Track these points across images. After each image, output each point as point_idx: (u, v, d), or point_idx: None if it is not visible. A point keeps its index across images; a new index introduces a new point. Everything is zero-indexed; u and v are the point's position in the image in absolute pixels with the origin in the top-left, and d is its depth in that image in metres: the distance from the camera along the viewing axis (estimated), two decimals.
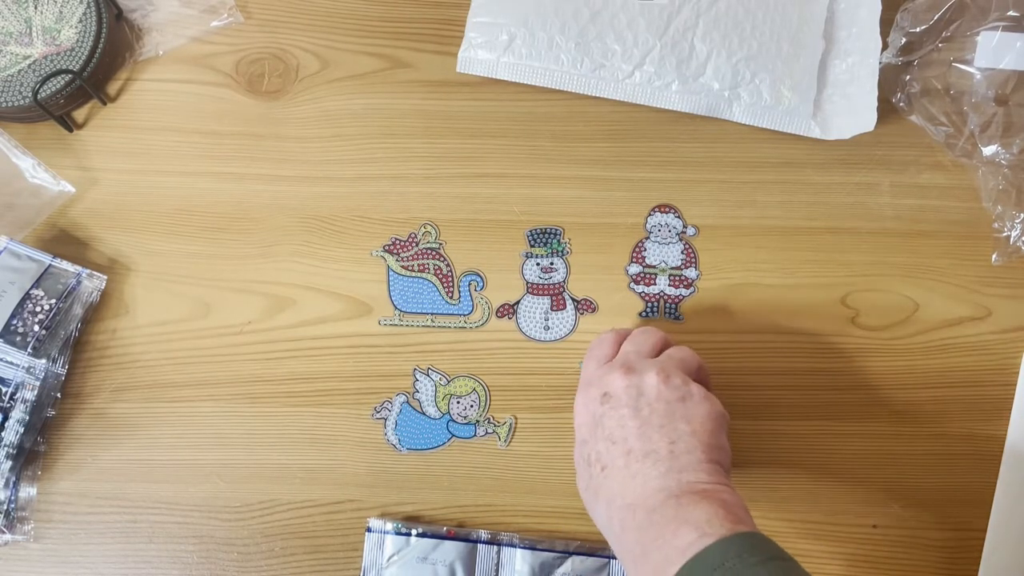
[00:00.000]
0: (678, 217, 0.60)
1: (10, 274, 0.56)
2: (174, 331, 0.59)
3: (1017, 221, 0.58)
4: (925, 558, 0.56)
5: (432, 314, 0.59)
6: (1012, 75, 0.59)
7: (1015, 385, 0.57)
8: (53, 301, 0.56)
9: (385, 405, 0.58)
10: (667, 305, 0.59)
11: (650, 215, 0.60)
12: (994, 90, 0.59)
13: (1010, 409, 0.57)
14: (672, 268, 0.59)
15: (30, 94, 0.58)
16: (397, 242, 0.60)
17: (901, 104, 0.61)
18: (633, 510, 0.43)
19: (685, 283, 0.59)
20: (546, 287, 0.59)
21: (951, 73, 0.60)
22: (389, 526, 0.56)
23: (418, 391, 0.58)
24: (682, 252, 0.59)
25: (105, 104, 0.62)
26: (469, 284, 0.59)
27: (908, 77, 0.60)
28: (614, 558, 0.55)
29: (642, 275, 0.59)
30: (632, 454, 0.45)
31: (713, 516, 0.41)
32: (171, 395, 0.58)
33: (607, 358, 0.50)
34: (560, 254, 0.60)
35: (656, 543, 0.41)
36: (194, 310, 0.59)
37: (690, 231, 0.60)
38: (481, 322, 0.59)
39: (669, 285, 0.59)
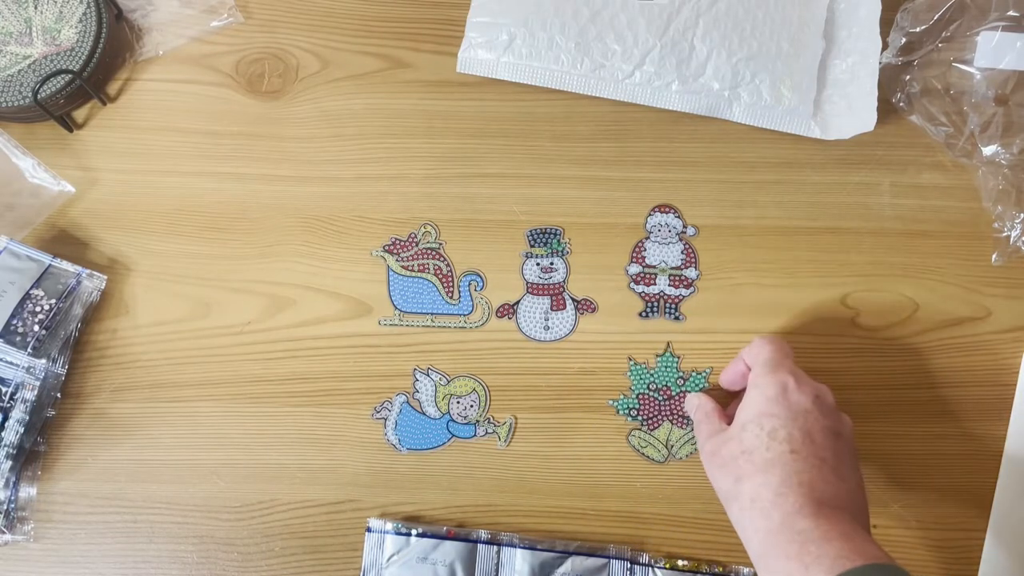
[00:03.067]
0: (678, 217, 0.60)
1: (10, 274, 0.56)
2: (174, 331, 0.59)
3: (1017, 221, 0.58)
4: (925, 558, 0.56)
5: (432, 314, 0.59)
6: (1012, 75, 0.59)
7: (1015, 385, 0.57)
8: (53, 301, 0.56)
9: (385, 405, 0.58)
10: (667, 305, 0.59)
11: (650, 215, 0.60)
12: (994, 90, 0.59)
13: (1010, 409, 0.57)
14: (672, 268, 0.59)
15: (30, 94, 0.58)
16: (397, 242, 0.60)
17: (901, 104, 0.61)
18: (819, 504, 0.44)
19: (685, 283, 0.59)
20: (546, 287, 0.59)
21: (951, 73, 0.60)
22: (389, 526, 0.56)
23: (418, 391, 0.58)
24: (682, 252, 0.59)
25: (105, 104, 0.62)
26: (469, 284, 0.59)
27: (908, 77, 0.60)
28: (614, 558, 0.55)
29: (642, 275, 0.59)
30: (827, 464, 0.46)
31: (888, 556, 0.43)
32: (171, 395, 0.58)
33: (791, 358, 0.51)
34: (560, 254, 0.60)
35: (843, 540, 0.42)
36: (194, 310, 0.59)
37: (690, 231, 0.60)
38: (481, 322, 0.59)
39: (669, 285, 0.59)
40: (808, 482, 0.45)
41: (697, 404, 0.54)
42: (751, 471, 0.47)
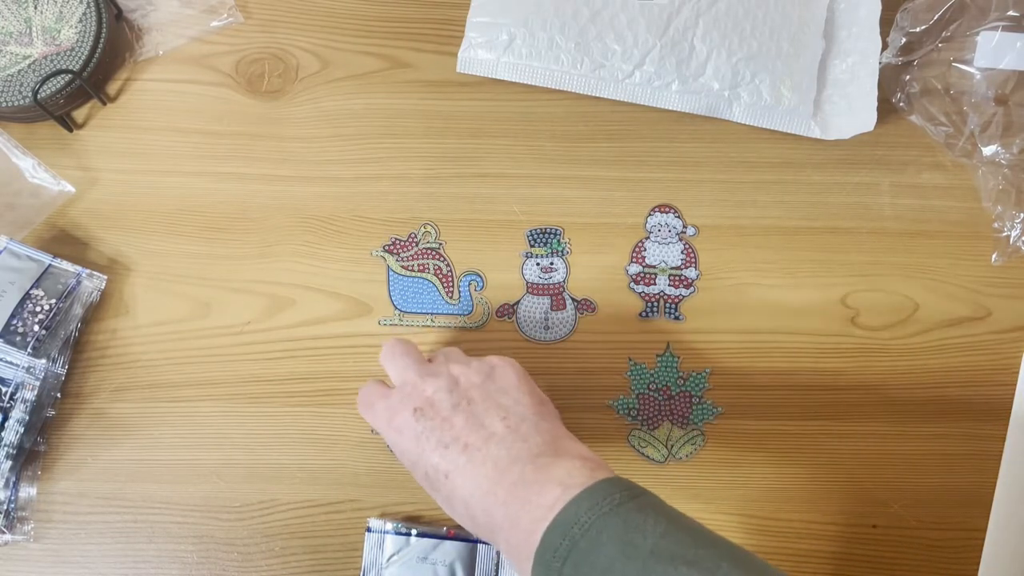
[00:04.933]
0: (678, 217, 0.60)
1: (10, 274, 0.56)
2: (174, 331, 0.59)
3: (1017, 221, 0.58)
4: (925, 558, 0.56)
5: (432, 314, 0.59)
6: (1012, 75, 0.59)
7: (1015, 385, 0.57)
8: (53, 301, 0.56)
9: None
10: (667, 305, 0.59)
11: (650, 215, 0.60)
12: (994, 90, 0.59)
13: (1010, 409, 0.57)
14: (672, 268, 0.59)
15: (30, 94, 0.58)
16: (397, 242, 0.60)
17: (901, 104, 0.61)
18: (494, 492, 0.43)
19: (685, 283, 0.59)
20: (546, 287, 0.59)
21: (951, 73, 0.60)
22: (389, 526, 0.56)
23: None
24: (682, 252, 0.59)
25: (105, 104, 0.62)
26: (469, 284, 0.59)
27: (908, 77, 0.60)
28: None
29: (642, 275, 0.59)
30: (471, 447, 0.45)
31: (572, 469, 0.42)
32: (171, 395, 0.58)
33: (387, 391, 0.50)
34: (560, 254, 0.60)
35: (524, 508, 0.42)
36: (194, 310, 0.59)
37: (690, 231, 0.60)
38: (481, 322, 0.59)
39: (669, 285, 0.59)
40: (473, 487, 0.44)
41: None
42: (454, 511, 0.46)
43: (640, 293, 0.59)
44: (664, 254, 0.59)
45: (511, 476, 0.43)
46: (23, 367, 0.56)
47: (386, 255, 0.60)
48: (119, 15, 0.63)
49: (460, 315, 0.59)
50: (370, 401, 0.50)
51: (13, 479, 0.56)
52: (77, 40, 0.59)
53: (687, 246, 0.60)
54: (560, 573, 0.39)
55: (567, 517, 0.40)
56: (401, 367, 0.49)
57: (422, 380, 0.48)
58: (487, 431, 0.45)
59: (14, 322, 0.55)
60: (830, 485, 0.57)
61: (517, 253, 0.60)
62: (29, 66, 0.59)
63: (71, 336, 0.57)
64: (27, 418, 0.55)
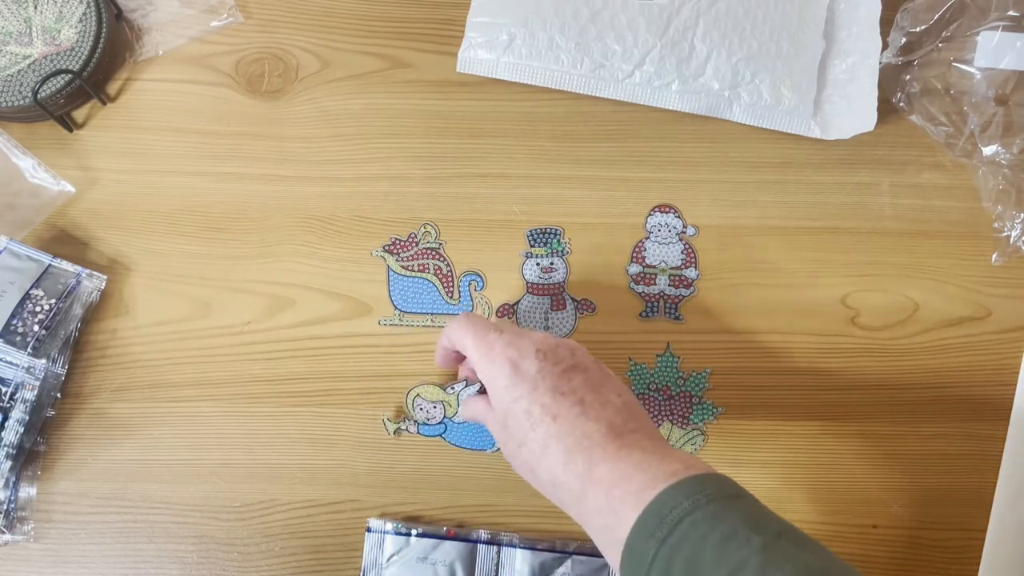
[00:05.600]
0: (678, 217, 0.60)
1: (10, 274, 0.56)
2: (174, 331, 0.59)
3: (1017, 221, 0.58)
4: (925, 558, 0.56)
5: (432, 314, 0.59)
6: (1012, 75, 0.59)
7: (1015, 385, 0.57)
8: (53, 301, 0.56)
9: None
10: (667, 305, 0.59)
11: (650, 215, 0.60)
12: (994, 90, 0.59)
13: (1010, 409, 0.57)
14: (672, 268, 0.59)
15: (30, 94, 0.58)
16: (397, 242, 0.60)
17: (901, 104, 0.61)
18: (603, 446, 0.43)
19: (685, 283, 0.59)
20: (546, 287, 0.59)
21: (951, 73, 0.60)
22: (389, 526, 0.56)
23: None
24: (682, 252, 0.59)
25: (105, 104, 0.62)
26: (469, 284, 0.59)
27: (908, 77, 0.60)
28: None
29: (642, 275, 0.59)
30: (587, 403, 0.45)
31: (692, 458, 0.43)
32: (171, 395, 0.58)
33: (492, 329, 0.49)
34: (560, 254, 0.60)
35: (640, 467, 0.42)
36: (194, 310, 0.59)
37: (690, 231, 0.60)
38: None
39: (669, 285, 0.59)
40: (582, 435, 0.44)
41: (472, 412, 0.52)
42: (536, 459, 0.46)
43: (640, 293, 0.59)
44: (664, 254, 0.59)
45: (627, 440, 0.44)
46: (23, 367, 0.56)
47: (386, 255, 0.60)
48: (119, 15, 0.63)
49: None
50: (481, 328, 0.49)
51: (13, 479, 0.56)
52: (77, 40, 0.59)
53: (687, 246, 0.60)
54: (679, 525, 0.39)
55: (693, 484, 0.40)
56: (499, 326, 0.49)
57: (537, 333, 0.48)
58: (604, 397, 0.46)
59: (14, 322, 0.55)
60: (830, 485, 0.57)
61: (517, 253, 0.60)
62: (29, 66, 0.59)
63: (71, 336, 0.57)
64: (27, 418, 0.55)
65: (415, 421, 0.57)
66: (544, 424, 0.45)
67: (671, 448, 0.44)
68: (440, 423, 0.58)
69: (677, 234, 0.60)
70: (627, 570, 0.41)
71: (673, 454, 0.43)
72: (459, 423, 0.58)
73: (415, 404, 0.57)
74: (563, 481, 0.44)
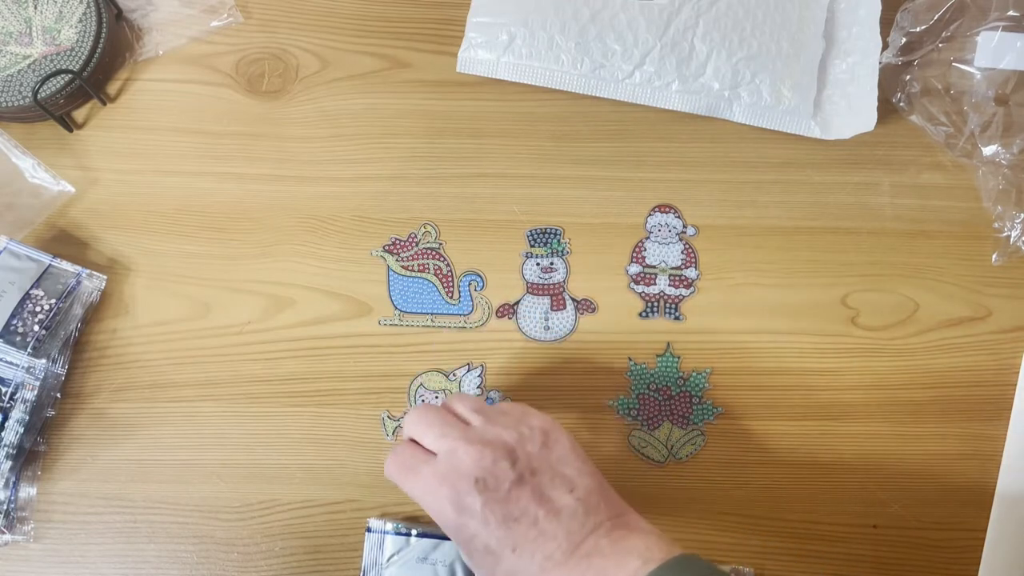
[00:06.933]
0: (678, 217, 0.60)
1: (10, 274, 0.56)
2: (174, 331, 0.59)
3: (1017, 221, 0.58)
4: (925, 558, 0.56)
5: (432, 314, 0.59)
6: (1012, 75, 0.59)
7: (1015, 385, 0.57)
8: (53, 301, 0.56)
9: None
10: (667, 305, 0.59)
11: (650, 215, 0.60)
12: (994, 90, 0.59)
13: (1010, 409, 0.57)
14: (672, 268, 0.59)
15: (30, 94, 0.58)
16: (397, 242, 0.60)
17: (901, 104, 0.61)
18: (565, 564, 0.43)
19: (685, 283, 0.59)
20: (546, 287, 0.59)
21: (951, 73, 0.60)
22: (389, 526, 0.56)
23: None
24: (682, 252, 0.59)
25: (105, 104, 0.62)
26: (469, 284, 0.59)
27: (908, 77, 0.60)
28: None
29: (642, 275, 0.59)
30: (540, 520, 0.44)
31: (651, 544, 0.43)
32: (171, 395, 0.58)
33: (429, 457, 0.46)
34: (560, 254, 0.60)
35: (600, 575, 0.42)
36: (194, 310, 0.59)
37: (690, 231, 0.60)
38: (481, 322, 0.59)
39: (669, 285, 0.59)
40: (543, 559, 0.43)
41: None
42: None
43: (640, 293, 0.59)
44: (664, 254, 0.59)
45: (586, 548, 0.43)
46: (23, 367, 0.56)
47: (386, 255, 0.60)
48: (119, 15, 0.63)
49: (460, 315, 0.59)
50: (411, 465, 0.46)
51: (13, 479, 0.56)
52: (77, 40, 0.59)
53: (687, 246, 0.60)
54: None
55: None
56: (439, 433, 0.46)
57: (472, 448, 0.45)
58: (556, 504, 0.44)
59: (14, 322, 0.55)
60: (830, 485, 0.57)
61: (517, 253, 0.60)
62: (29, 66, 0.59)
63: (71, 336, 0.57)
64: (27, 418, 0.55)
65: None
66: (506, 557, 0.44)
67: (633, 534, 0.43)
68: None
69: (677, 234, 0.60)
70: None
71: (632, 547, 0.42)
72: None
73: (417, 396, 0.57)
74: None
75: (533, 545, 0.43)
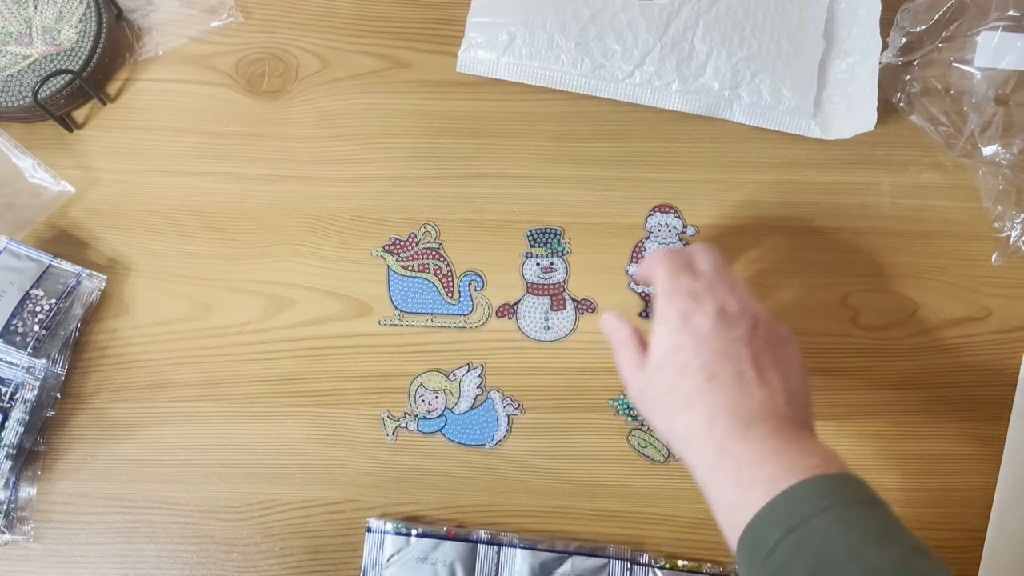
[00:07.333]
0: (678, 217, 0.60)
1: (10, 274, 0.56)
2: (174, 331, 0.59)
3: (1017, 221, 0.58)
4: None
5: (432, 314, 0.59)
6: (1012, 75, 0.59)
7: (1015, 385, 0.57)
8: (53, 301, 0.56)
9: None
10: None
11: (650, 215, 0.60)
12: (994, 90, 0.59)
13: (1010, 409, 0.57)
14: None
15: (30, 94, 0.58)
16: (397, 242, 0.60)
17: (901, 104, 0.61)
18: (748, 424, 0.43)
19: None
20: (546, 287, 0.59)
21: (951, 73, 0.60)
22: (389, 526, 0.56)
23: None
24: None
25: (105, 104, 0.62)
26: (469, 284, 0.59)
27: (908, 77, 0.60)
28: (614, 558, 0.55)
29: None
30: (746, 376, 0.45)
31: (830, 456, 0.42)
32: (171, 395, 0.58)
33: (687, 270, 0.49)
34: (560, 254, 0.60)
35: (778, 456, 0.42)
36: (194, 310, 0.59)
37: (690, 231, 0.60)
38: (481, 322, 0.59)
39: None
40: (731, 404, 0.44)
41: (613, 327, 0.52)
42: (677, 410, 0.46)
43: (640, 293, 0.59)
44: None
45: (774, 424, 0.43)
46: (23, 367, 0.56)
47: (386, 255, 0.60)
48: (119, 15, 0.63)
49: (460, 315, 0.59)
50: (677, 269, 0.49)
51: (13, 479, 0.56)
52: (77, 40, 0.59)
53: (688, 245, 0.59)
54: (810, 520, 0.39)
55: (830, 483, 0.40)
56: (713, 266, 0.49)
57: (732, 292, 0.48)
58: (766, 376, 0.45)
59: (14, 322, 0.55)
60: None
61: (517, 253, 0.60)
62: (29, 66, 0.59)
63: (71, 336, 0.57)
64: (27, 418, 0.55)
65: (416, 416, 0.57)
66: (698, 380, 0.45)
67: (816, 442, 0.44)
68: (440, 416, 0.58)
69: (677, 234, 0.60)
70: (744, 552, 0.41)
71: (814, 449, 0.43)
72: (459, 415, 0.58)
73: (417, 396, 0.57)
74: (698, 444, 0.44)
75: (729, 388, 0.45)
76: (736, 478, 0.42)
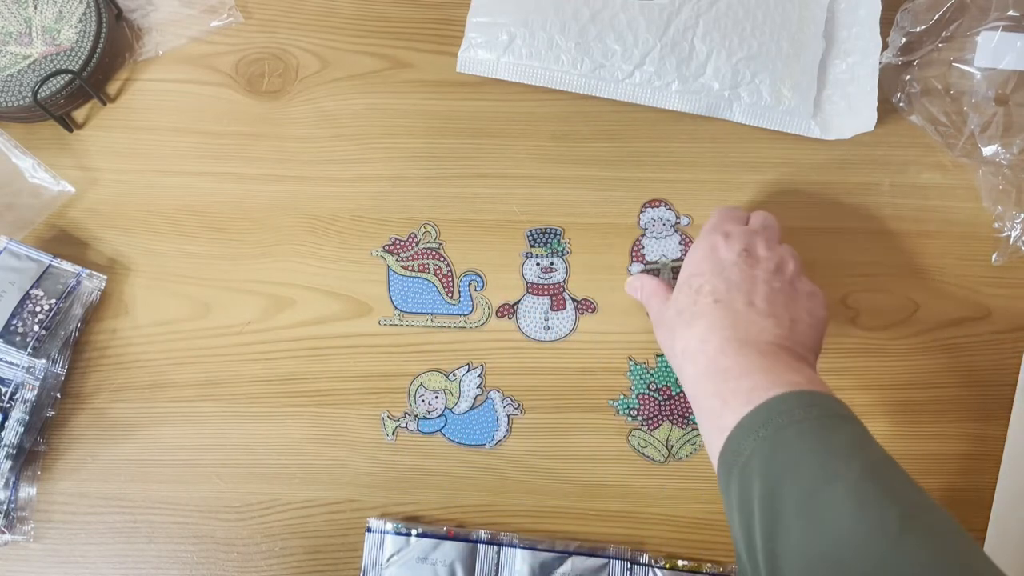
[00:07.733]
0: (669, 209, 0.60)
1: (10, 274, 0.56)
2: (174, 331, 0.59)
3: (1017, 221, 0.58)
4: None
5: (432, 314, 0.59)
6: (1012, 75, 0.59)
7: (1015, 385, 0.57)
8: (53, 301, 0.56)
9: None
10: None
11: (642, 212, 0.60)
12: (994, 90, 0.59)
13: (1010, 409, 0.57)
14: (674, 260, 0.59)
15: (30, 94, 0.58)
16: (397, 242, 0.60)
17: (901, 104, 0.61)
18: (742, 344, 0.45)
19: None
20: (546, 287, 0.59)
21: (951, 73, 0.60)
22: (389, 526, 0.56)
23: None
24: (680, 243, 0.59)
25: (105, 104, 0.62)
26: (469, 284, 0.59)
27: (908, 77, 0.60)
28: (614, 558, 0.55)
29: (645, 273, 0.59)
30: (754, 307, 0.47)
31: (818, 379, 0.44)
32: (171, 395, 0.58)
33: (738, 221, 0.52)
34: (560, 254, 0.60)
35: (763, 373, 0.43)
36: (194, 310, 0.59)
37: (684, 221, 0.60)
38: (481, 322, 0.59)
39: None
40: (731, 325, 0.46)
41: (641, 284, 0.56)
42: (682, 327, 0.48)
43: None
44: (663, 248, 0.59)
45: (766, 348, 0.45)
46: (23, 367, 0.56)
47: (386, 255, 0.60)
48: (119, 15, 0.63)
49: (460, 315, 0.59)
50: (727, 213, 0.53)
51: (13, 479, 0.56)
52: (77, 40, 0.59)
53: (684, 236, 0.60)
54: (784, 429, 0.40)
55: (808, 397, 0.42)
56: (760, 220, 0.52)
57: (772, 243, 0.51)
58: (775, 310, 0.47)
59: (14, 322, 0.55)
60: None
61: (517, 253, 0.60)
62: (29, 66, 0.59)
63: (71, 336, 0.57)
64: (27, 418, 0.55)
65: (416, 416, 0.57)
66: (706, 302, 0.47)
67: (807, 368, 0.45)
68: (440, 416, 0.58)
69: (671, 226, 0.60)
70: (724, 458, 0.42)
71: (801, 371, 0.44)
72: (459, 415, 0.58)
73: (417, 396, 0.57)
74: (691, 356, 0.46)
75: (732, 312, 0.46)
76: (718, 388, 0.44)
